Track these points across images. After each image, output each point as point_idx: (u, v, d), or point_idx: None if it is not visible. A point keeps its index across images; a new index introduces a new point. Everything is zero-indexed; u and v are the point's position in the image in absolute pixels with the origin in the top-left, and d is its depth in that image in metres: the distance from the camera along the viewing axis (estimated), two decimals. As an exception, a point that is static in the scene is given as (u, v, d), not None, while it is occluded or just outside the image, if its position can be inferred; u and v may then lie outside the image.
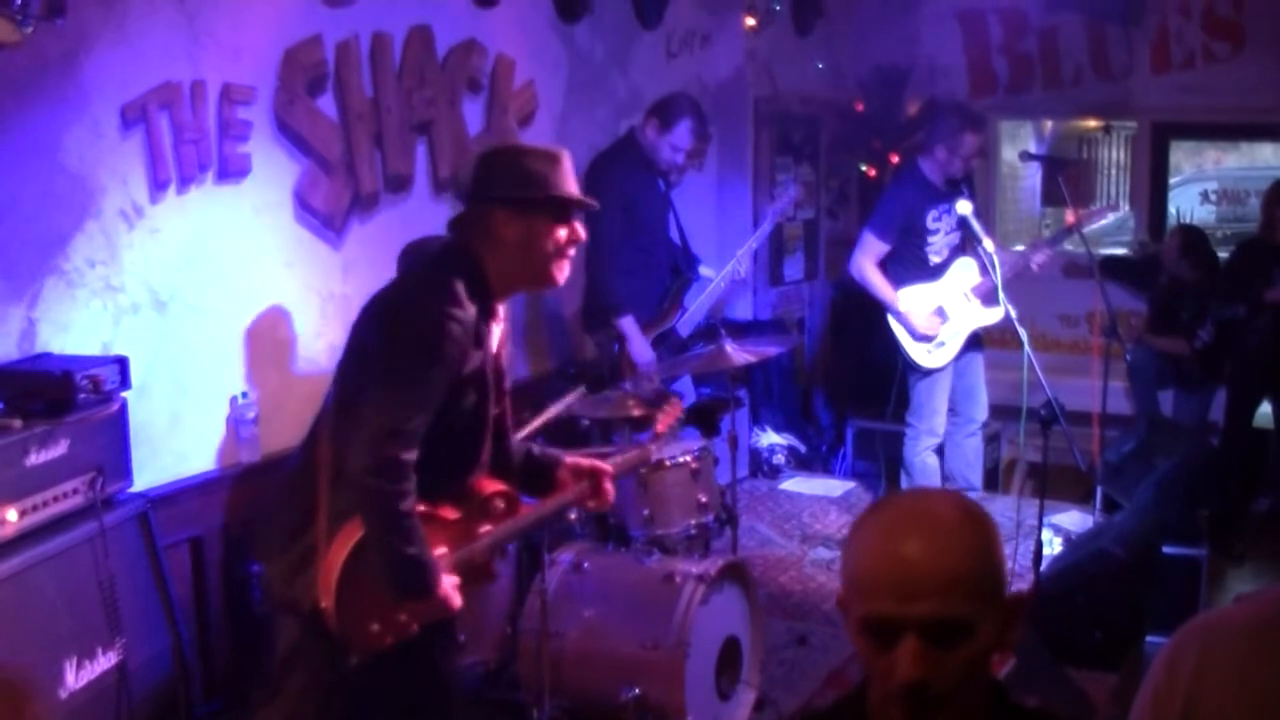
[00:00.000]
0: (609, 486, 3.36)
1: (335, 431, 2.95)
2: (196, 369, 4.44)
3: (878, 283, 6.12)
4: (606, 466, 3.37)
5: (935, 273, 6.20)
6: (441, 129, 5.48)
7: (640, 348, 5.71)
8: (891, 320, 6.18)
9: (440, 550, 3.00)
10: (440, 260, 3.04)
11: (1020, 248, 6.84)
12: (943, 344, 6.16)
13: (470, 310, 2.91)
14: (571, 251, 3.08)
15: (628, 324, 5.74)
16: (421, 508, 2.90)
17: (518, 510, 3.21)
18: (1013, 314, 5.17)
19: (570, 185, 3.06)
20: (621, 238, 5.75)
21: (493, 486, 3.14)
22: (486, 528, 3.14)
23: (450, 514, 3.05)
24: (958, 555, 1.60)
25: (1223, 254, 7.28)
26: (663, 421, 3.76)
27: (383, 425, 2.83)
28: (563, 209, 3.03)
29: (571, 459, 3.39)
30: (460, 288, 2.92)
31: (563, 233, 3.03)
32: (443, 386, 2.88)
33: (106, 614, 3.68)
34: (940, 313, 6.15)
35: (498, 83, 5.82)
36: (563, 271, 3.07)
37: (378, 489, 2.82)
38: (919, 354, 6.16)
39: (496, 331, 3.07)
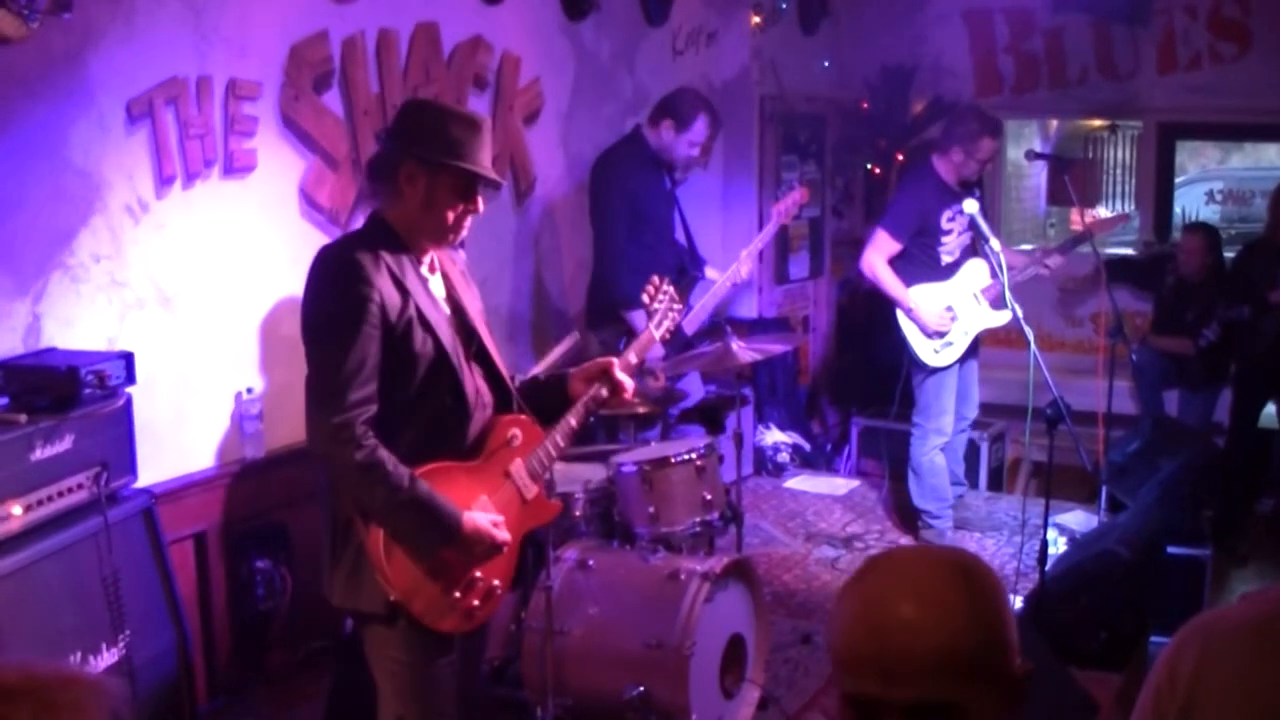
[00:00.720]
0: (621, 377, 3.28)
1: None
2: (201, 365, 4.43)
3: (889, 280, 6.10)
4: (612, 359, 3.32)
5: (946, 273, 6.18)
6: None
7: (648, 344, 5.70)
8: (901, 318, 6.15)
9: (478, 497, 3.00)
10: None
11: (1028, 247, 6.82)
12: (950, 344, 6.14)
13: (377, 259, 2.88)
14: (469, 222, 3.04)
15: (637, 317, 5.73)
16: (435, 465, 2.90)
17: (539, 435, 3.18)
18: (1019, 313, 5.14)
19: (484, 158, 3.01)
20: (628, 235, 5.75)
21: (505, 422, 3.11)
22: (516, 462, 3.12)
23: (469, 463, 3.02)
24: (949, 631, 1.43)
25: (1228, 255, 7.25)
26: (650, 296, 3.65)
27: (318, 393, 2.84)
28: (469, 182, 2.98)
29: (576, 369, 3.35)
30: (361, 242, 2.93)
31: (461, 206, 2.99)
32: (370, 340, 2.83)
33: (110, 610, 3.68)
34: (950, 311, 6.13)
35: (504, 80, 5.81)
36: (459, 235, 3.04)
37: (331, 455, 2.83)
38: (926, 353, 6.14)
39: (435, 279, 3.06)
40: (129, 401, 3.86)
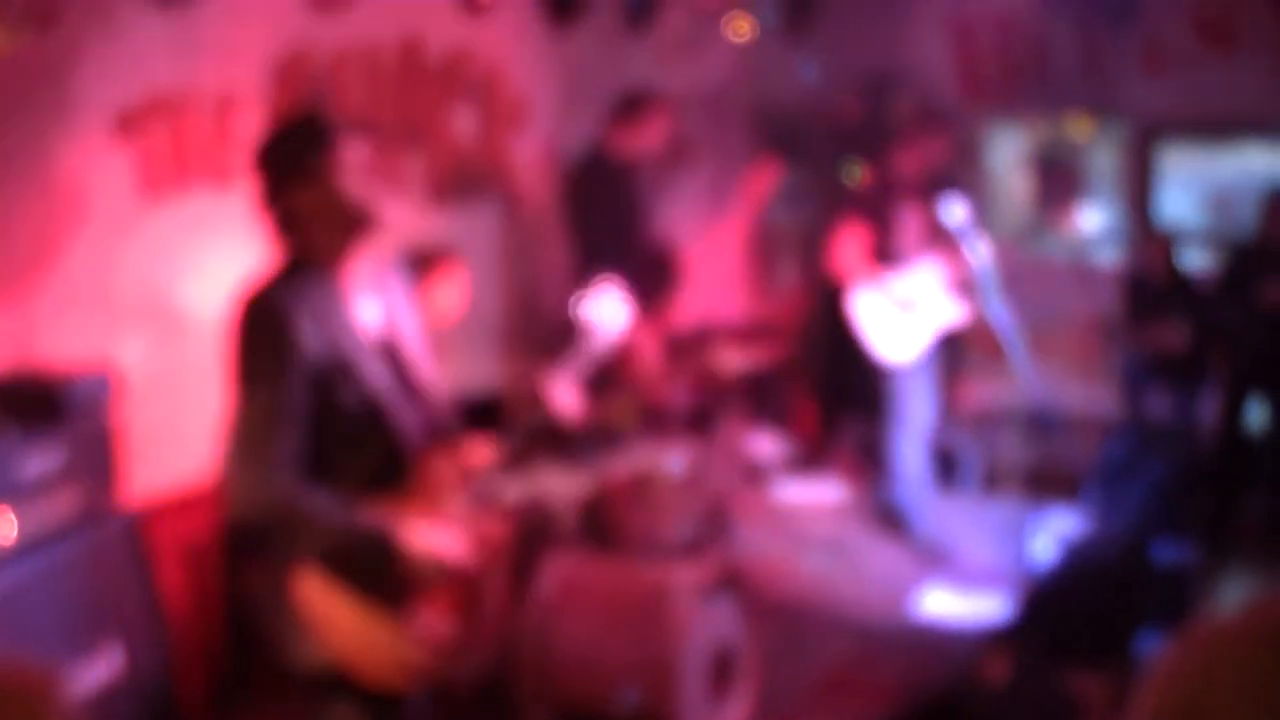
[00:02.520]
0: (550, 395, 3.24)
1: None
2: (190, 378, 4.40)
3: (857, 274, 6.12)
4: (542, 374, 3.28)
5: (907, 268, 6.19)
6: (434, 137, 5.46)
7: (637, 355, 5.69)
8: (859, 313, 6.16)
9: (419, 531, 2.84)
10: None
11: (999, 249, 6.82)
12: (912, 338, 6.13)
13: (299, 302, 2.71)
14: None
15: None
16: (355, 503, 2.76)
17: (470, 465, 3.08)
18: (1004, 316, 5.15)
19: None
20: (605, 247, 5.72)
21: (440, 451, 2.97)
22: (456, 492, 3.00)
23: (403, 500, 2.86)
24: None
25: (1212, 258, 7.27)
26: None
27: (244, 445, 2.68)
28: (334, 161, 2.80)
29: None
30: (282, 284, 2.74)
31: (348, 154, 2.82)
32: (298, 388, 2.68)
33: (99, 630, 3.65)
34: (908, 306, 6.13)
35: (490, 91, 5.80)
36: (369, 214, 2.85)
37: (263, 507, 2.67)
38: (886, 349, 6.14)
39: (368, 303, 2.88)
40: (117, 416, 3.84)
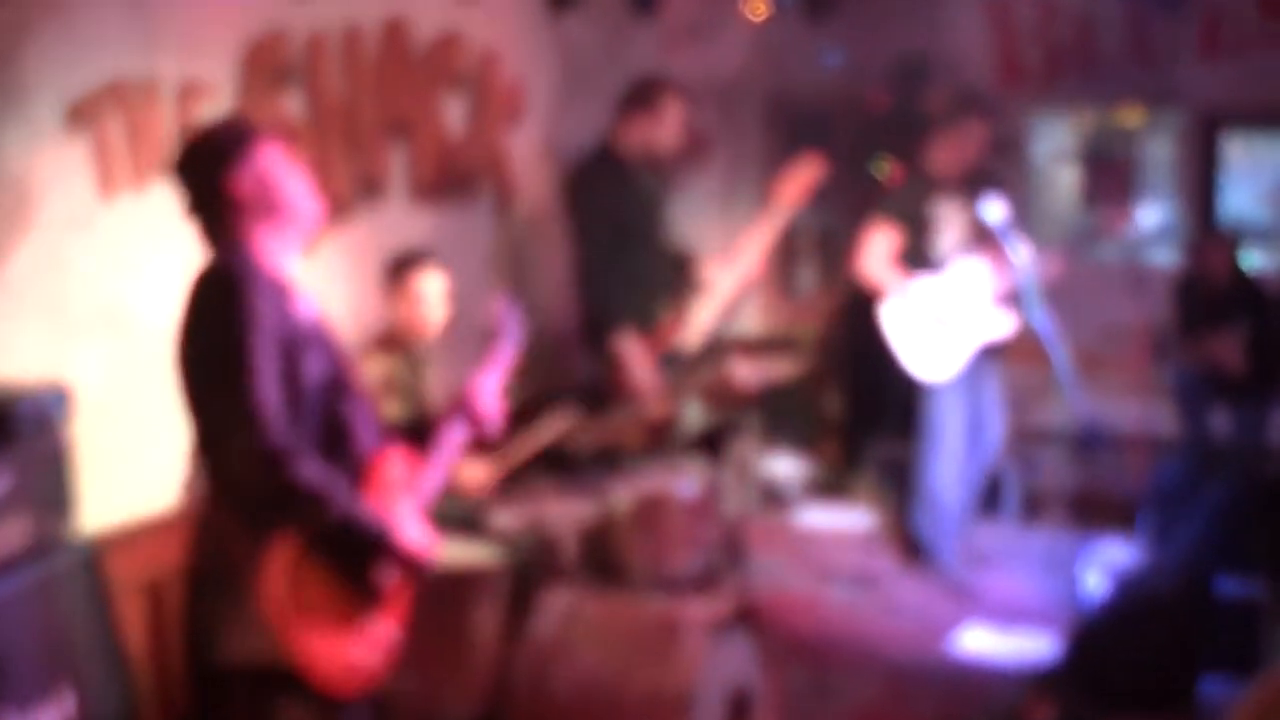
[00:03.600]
0: (481, 404, 3.36)
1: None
2: (153, 394, 4.39)
3: (889, 281, 6.10)
4: (475, 390, 3.39)
5: (944, 273, 6.18)
6: (421, 130, 5.47)
7: (641, 371, 5.69)
8: (890, 325, 6.15)
9: None
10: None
11: (1042, 253, 6.81)
12: (948, 352, 6.12)
13: (259, 278, 2.94)
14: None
15: (624, 344, 5.71)
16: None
17: (419, 471, 3.22)
18: (1047, 326, 5.13)
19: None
20: (613, 256, 5.72)
21: (386, 456, 3.13)
22: (400, 502, 3.14)
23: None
24: None
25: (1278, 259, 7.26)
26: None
27: (230, 421, 2.81)
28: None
29: (441, 404, 3.46)
30: (240, 263, 2.97)
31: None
32: (271, 360, 2.86)
33: (52, 671, 3.64)
34: (946, 318, 6.11)
35: (482, 79, 5.81)
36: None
37: (261, 483, 2.80)
38: (919, 363, 6.13)
39: (306, 300, 3.11)
40: (71, 437, 3.83)
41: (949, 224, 6.17)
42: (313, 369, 2.96)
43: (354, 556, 2.91)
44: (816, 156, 5.98)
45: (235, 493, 2.89)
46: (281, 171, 3.08)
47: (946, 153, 6.14)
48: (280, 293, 2.98)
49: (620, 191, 5.82)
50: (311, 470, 2.81)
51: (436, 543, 3.23)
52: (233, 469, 2.84)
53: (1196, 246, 7.55)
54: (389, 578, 2.99)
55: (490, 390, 3.43)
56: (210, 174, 3.04)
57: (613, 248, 5.72)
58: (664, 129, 5.83)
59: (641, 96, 5.83)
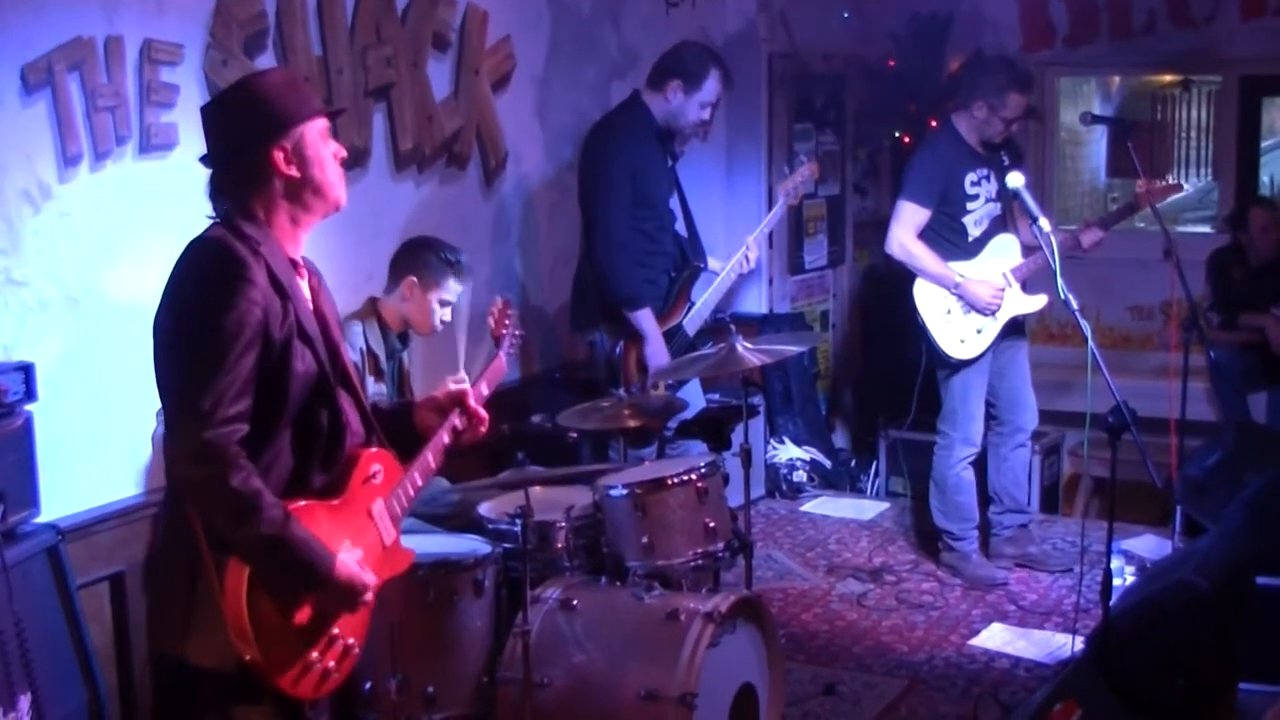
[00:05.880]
0: (475, 406, 3.40)
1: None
2: (117, 377, 4.42)
3: (924, 256, 6.10)
4: (464, 387, 3.41)
5: (973, 249, 6.19)
6: (403, 94, 5.48)
7: (658, 347, 5.72)
8: (921, 302, 6.15)
9: (342, 541, 3.04)
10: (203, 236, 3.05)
11: (1073, 227, 6.82)
12: (979, 331, 6.14)
13: (257, 256, 2.94)
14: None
15: (645, 318, 5.74)
16: (297, 505, 2.93)
17: (399, 472, 3.25)
18: (1074, 304, 5.14)
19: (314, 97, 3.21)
20: (629, 221, 5.74)
21: (366, 456, 3.16)
22: (378, 502, 3.17)
23: (330, 501, 3.05)
24: None
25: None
26: (495, 320, 3.82)
27: (186, 404, 2.84)
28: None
29: (424, 398, 3.47)
30: (238, 235, 2.96)
31: (335, 146, 3.13)
32: (250, 350, 2.87)
33: (11, 665, 3.67)
34: (971, 294, 6.12)
35: (468, 39, 5.82)
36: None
37: (196, 477, 2.83)
38: (950, 343, 6.14)
39: (303, 284, 3.11)
40: (29, 421, 3.86)
41: (979, 192, 6.17)
42: (299, 366, 2.97)
43: (282, 578, 2.91)
44: (815, 165, 6.18)
45: (176, 480, 2.92)
46: (325, 153, 3.08)
47: (980, 121, 6.12)
48: (285, 279, 2.98)
49: (645, 151, 5.87)
50: (244, 483, 2.82)
51: (399, 555, 3.27)
52: (176, 454, 2.88)
53: (1235, 218, 7.57)
54: (325, 604, 3.01)
55: (483, 394, 3.48)
56: (258, 137, 3.01)
57: (630, 212, 5.74)
58: (696, 105, 5.87)
59: (685, 67, 5.87)
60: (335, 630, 3.05)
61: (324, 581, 2.93)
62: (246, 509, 2.81)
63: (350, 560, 3.01)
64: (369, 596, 3.05)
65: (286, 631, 2.93)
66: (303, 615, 2.96)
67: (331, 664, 3.04)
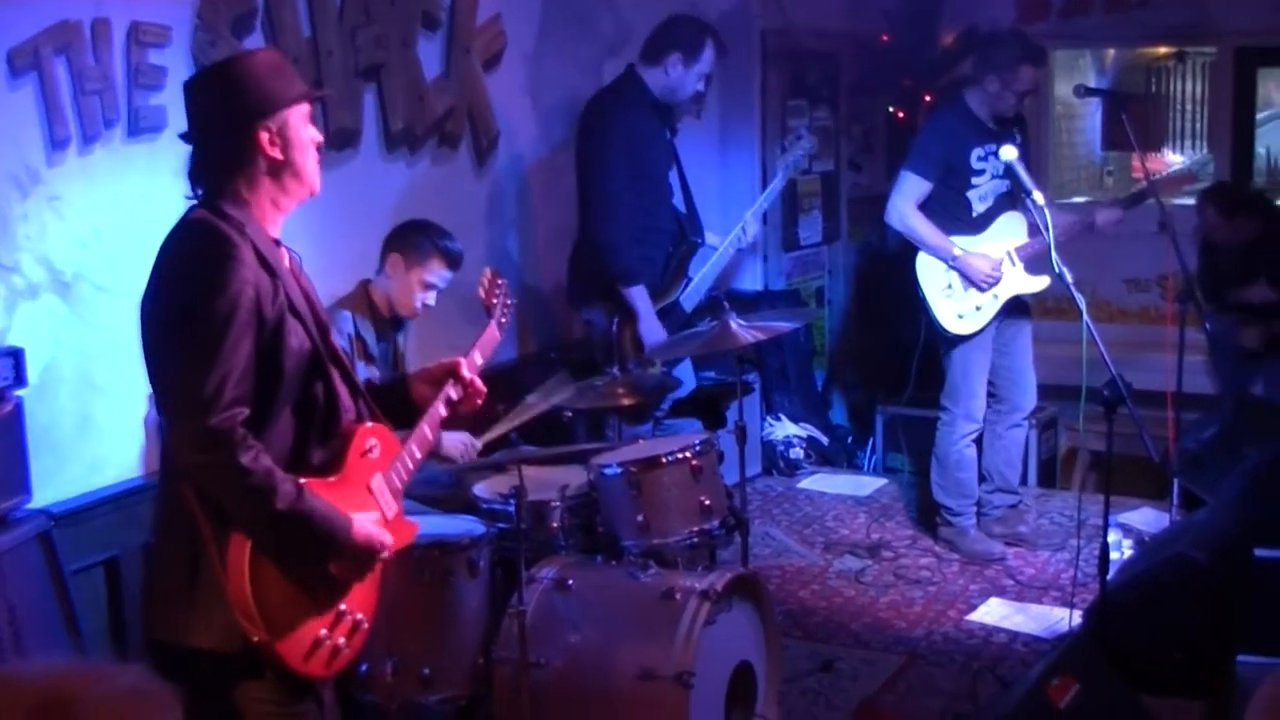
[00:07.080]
0: (469, 376, 3.40)
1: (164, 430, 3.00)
2: (108, 361, 4.42)
3: (924, 228, 6.09)
4: (458, 359, 3.42)
5: (978, 225, 6.18)
6: (393, 74, 5.46)
7: (651, 324, 5.72)
8: (922, 276, 6.14)
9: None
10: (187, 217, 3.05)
11: (1080, 200, 6.80)
12: (979, 308, 6.13)
13: (245, 238, 2.94)
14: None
15: (639, 295, 5.73)
16: (300, 481, 2.93)
17: (396, 445, 3.26)
18: (1069, 278, 5.13)
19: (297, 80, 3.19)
20: (627, 196, 5.73)
21: (362, 431, 3.17)
22: (377, 476, 3.18)
23: (328, 478, 3.06)
24: None
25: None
26: (486, 290, 3.78)
27: (188, 393, 2.83)
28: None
29: (418, 370, 3.49)
30: (225, 218, 2.96)
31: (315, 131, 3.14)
32: (247, 331, 2.88)
33: (4, 651, 3.67)
34: (1000, 264, 6.11)
35: (458, 18, 5.80)
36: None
37: (207, 464, 2.83)
38: (948, 317, 6.13)
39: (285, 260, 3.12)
40: (20, 406, 3.86)
41: (985, 167, 6.15)
42: (293, 342, 2.98)
43: (302, 552, 2.93)
44: (814, 139, 6.17)
45: (183, 469, 2.91)
46: (306, 137, 3.09)
47: (991, 95, 6.09)
48: (270, 260, 2.98)
49: (644, 125, 5.86)
50: (255, 461, 2.83)
51: (403, 528, 3.26)
52: (180, 443, 2.87)
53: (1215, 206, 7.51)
54: (343, 572, 3.03)
55: (477, 364, 3.48)
56: (244, 116, 3.00)
57: (629, 186, 5.73)
58: (695, 77, 5.87)
59: (681, 39, 5.87)
60: (343, 606, 3.06)
61: (343, 547, 2.95)
62: (260, 488, 2.82)
63: (366, 520, 3.04)
64: (386, 554, 3.08)
65: (293, 609, 2.95)
66: (311, 590, 2.97)
67: (341, 640, 3.06)
